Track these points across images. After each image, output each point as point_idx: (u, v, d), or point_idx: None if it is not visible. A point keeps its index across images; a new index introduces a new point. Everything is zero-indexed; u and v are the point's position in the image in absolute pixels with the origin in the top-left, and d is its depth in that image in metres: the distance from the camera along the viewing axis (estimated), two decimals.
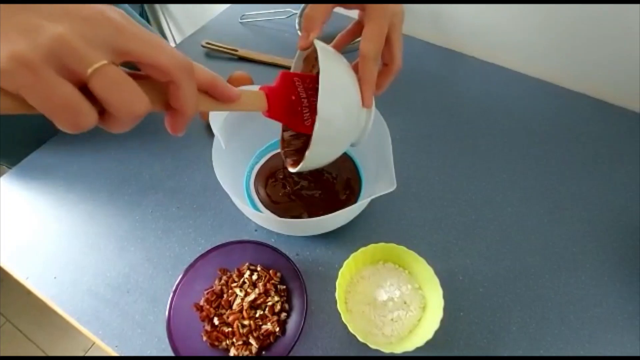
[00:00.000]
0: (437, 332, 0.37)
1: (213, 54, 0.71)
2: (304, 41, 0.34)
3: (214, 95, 0.26)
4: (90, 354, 1.25)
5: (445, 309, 0.38)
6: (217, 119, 0.46)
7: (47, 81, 0.18)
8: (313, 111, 0.33)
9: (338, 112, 0.32)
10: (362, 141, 0.37)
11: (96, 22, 0.20)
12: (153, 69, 0.22)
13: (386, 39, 0.34)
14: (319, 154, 0.34)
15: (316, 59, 0.37)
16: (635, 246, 0.48)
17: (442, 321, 0.38)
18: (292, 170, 0.37)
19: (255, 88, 0.32)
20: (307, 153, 0.33)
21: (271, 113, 0.32)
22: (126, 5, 0.71)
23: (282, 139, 0.41)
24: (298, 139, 0.41)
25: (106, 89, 0.20)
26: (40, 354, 1.25)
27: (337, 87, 0.32)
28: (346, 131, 0.35)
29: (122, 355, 0.42)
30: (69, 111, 0.19)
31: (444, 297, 0.39)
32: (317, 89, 0.33)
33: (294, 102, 0.33)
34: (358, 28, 0.38)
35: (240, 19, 0.77)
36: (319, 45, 0.33)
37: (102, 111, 0.21)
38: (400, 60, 0.37)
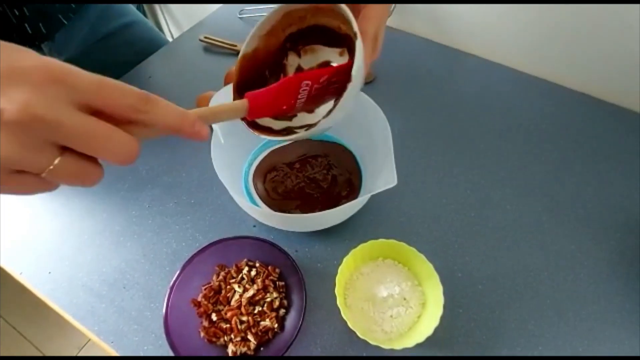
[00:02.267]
0: (436, 329, 0.37)
1: (211, 48, 0.71)
2: None
3: (181, 136, 0.27)
4: (84, 351, 1.24)
5: (444, 306, 0.38)
6: None
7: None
8: (309, 102, 0.32)
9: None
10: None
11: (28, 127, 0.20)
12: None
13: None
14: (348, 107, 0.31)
15: (300, 18, 0.34)
16: (633, 244, 0.48)
17: (441, 318, 0.38)
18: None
19: None
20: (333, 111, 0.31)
21: (251, 117, 0.31)
22: (129, 6, 0.71)
23: None
24: None
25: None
26: (34, 350, 1.24)
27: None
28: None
29: (119, 351, 0.42)
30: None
31: (443, 293, 0.39)
32: (330, 82, 0.31)
33: (285, 110, 0.31)
34: None
35: (239, 14, 0.76)
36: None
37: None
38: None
